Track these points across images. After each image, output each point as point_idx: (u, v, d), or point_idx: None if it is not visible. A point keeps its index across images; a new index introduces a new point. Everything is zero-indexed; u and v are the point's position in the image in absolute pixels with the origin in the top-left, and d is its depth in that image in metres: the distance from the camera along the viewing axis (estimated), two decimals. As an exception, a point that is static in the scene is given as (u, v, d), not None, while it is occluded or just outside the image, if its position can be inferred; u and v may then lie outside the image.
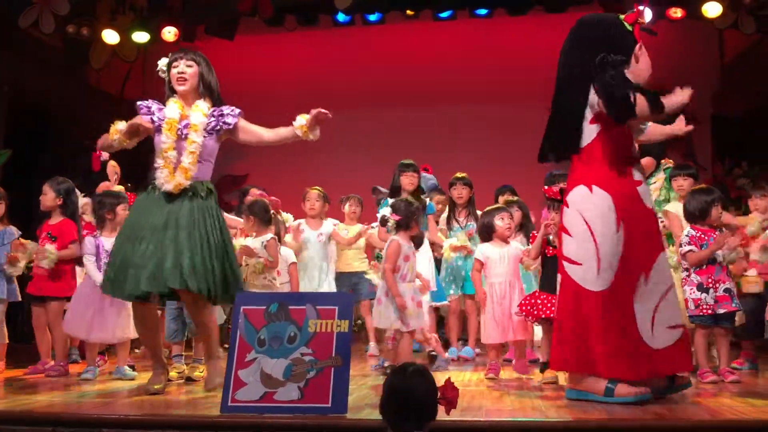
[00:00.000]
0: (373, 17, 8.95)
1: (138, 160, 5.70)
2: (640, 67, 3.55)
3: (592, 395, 3.39)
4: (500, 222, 4.58)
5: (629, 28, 3.59)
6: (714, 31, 8.16)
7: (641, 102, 3.38)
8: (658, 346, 3.38)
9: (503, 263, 4.50)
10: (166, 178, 3.73)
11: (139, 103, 3.93)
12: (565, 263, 3.53)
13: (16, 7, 7.19)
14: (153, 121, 3.84)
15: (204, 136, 3.78)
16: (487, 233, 4.63)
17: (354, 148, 9.14)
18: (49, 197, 4.99)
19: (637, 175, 3.57)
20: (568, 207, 3.57)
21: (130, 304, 4.56)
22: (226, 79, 9.97)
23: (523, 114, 9.15)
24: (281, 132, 3.86)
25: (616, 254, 3.40)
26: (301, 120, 3.78)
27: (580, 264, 3.45)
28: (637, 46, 3.57)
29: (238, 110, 3.88)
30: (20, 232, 5.06)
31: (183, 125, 3.79)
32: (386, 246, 4.32)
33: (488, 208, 4.82)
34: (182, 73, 3.83)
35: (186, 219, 3.67)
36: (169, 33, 7.96)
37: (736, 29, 7.27)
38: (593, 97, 3.48)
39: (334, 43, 9.35)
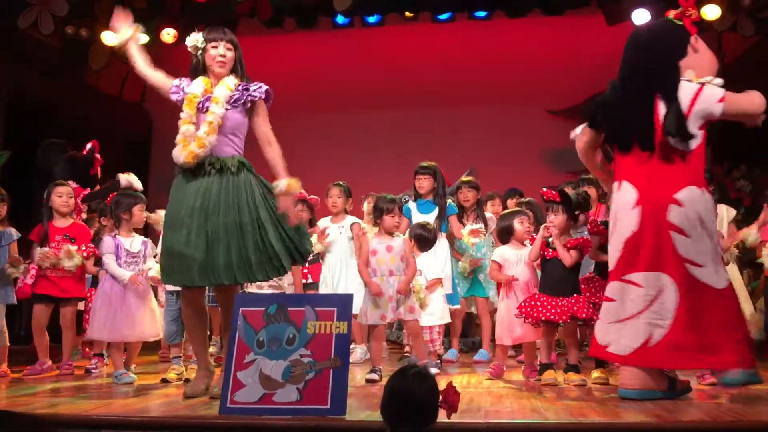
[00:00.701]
0: (372, 19, 8.95)
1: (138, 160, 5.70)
2: (703, 57, 3.65)
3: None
4: (519, 225, 4.61)
5: (678, 23, 3.67)
6: (713, 34, 8.16)
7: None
8: None
9: (520, 265, 4.51)
10: (180, 151, 3.65)
11: (173, 83, 3.84)
12: (688, 266, 3.49)
13: (15, 7, 7.19)
14: (178, 102, 3.78)
15: (227, 108, 3.68)
16: (506, 235, 4.65)
17: (352, 149, 9.14)
18: (74, 200, 5.11)
19: None
20: (683, 206, 3.51)
21: (153, 303, 4.58)
22: (225, 80, 9.80)
23: (522, 116, 9.17)
24: (275, 161, 3.70)
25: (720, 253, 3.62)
26: (282, 186, 3.60)
27: (703, 265, 3.49)
28: (693, 38, 3.65)
29: (266, 87, 3.78)
30: (19, 234, 5.06)
31: (205, 99, 3.72)
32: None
33: (507, 211, 4.91)
34: (223, 56, 3.76)
35: (217, 200, 3.58)
36: (168, 34, 7.95)
37: (735, 32, 7.27)
38: (706, 106, 3.54)
39: (333, 45, 9.34)
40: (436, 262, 5.22)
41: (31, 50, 7.59)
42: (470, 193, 5.80)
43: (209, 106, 3.69)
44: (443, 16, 8.89)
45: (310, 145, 9.06)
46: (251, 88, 3.75)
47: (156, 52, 8.65)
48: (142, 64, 3.94)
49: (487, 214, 5.95)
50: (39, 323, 5.00)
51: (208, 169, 3.64)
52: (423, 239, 5.05)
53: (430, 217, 5.44)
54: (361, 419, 3.01)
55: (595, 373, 4.19)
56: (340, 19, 8.77)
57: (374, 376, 4.26)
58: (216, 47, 3.78)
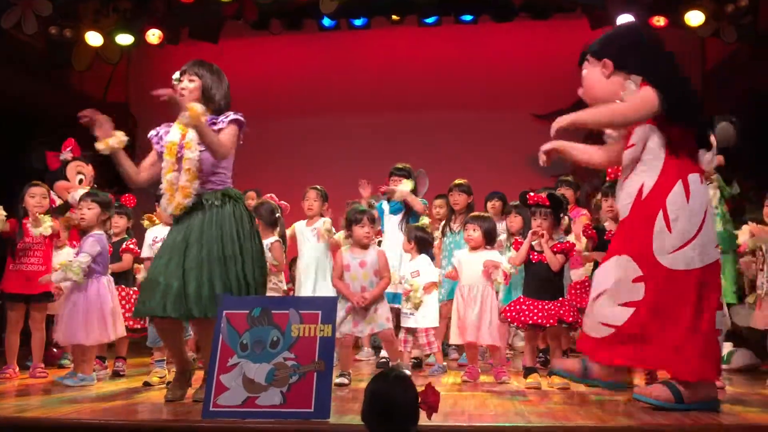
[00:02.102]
0: (358, 22, 8.97)
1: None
2: None
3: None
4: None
5: None
6: (696, 40, 8.24)
7: None
8: (592, 335, 3.51)
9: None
10: (167, 202, 3.69)
11: (150, 135, 3.83)
12: None
13: (-2, 8, 7.14)
14: (160, 152, 3.76)
15: (201, 150, 3.66)
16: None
17: (337, 151, 9.14)
18: (48, 200, 5.06)
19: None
20: None
21: (99, 308, 4.49)
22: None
23: (507, 119, 9.21)
24: None
25: None
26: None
27: None
28: None
29: (233, 116, 3.72)
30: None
31: (180, 146, 3.70)
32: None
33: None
34: (183, 89, 3.73)
35: (199, 233, 3.60)
36: (153, 35, 7.91)
37: (718, 38, 7.34)
38: None
39: (319, 48, 9.35)
40: (433, 265, 5.23)
41: (14, 51, 7.53)
42: (461, 197, 5.78)
43: (183, 153, 3.68)
44: (429, 20, 8.93)
45: (294, 148, 9.06)
46: (218, 121, 3.70)
47: (140, 53, 8.68)
48: (134, 171, 3.83)
49: None
50: (12, 327, 4.94)
51: (192, 208, 3.65)
52: (423, 241, 5.08)
53: (401, 218, 5.53)
54: (344, 422, 3.00)
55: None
56: (327, 21, 8.78)
57: (344, 380, 4.28)
58: (180, 81, 3.76)
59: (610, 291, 3.41)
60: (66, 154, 5.62)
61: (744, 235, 4.87)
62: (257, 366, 3.09)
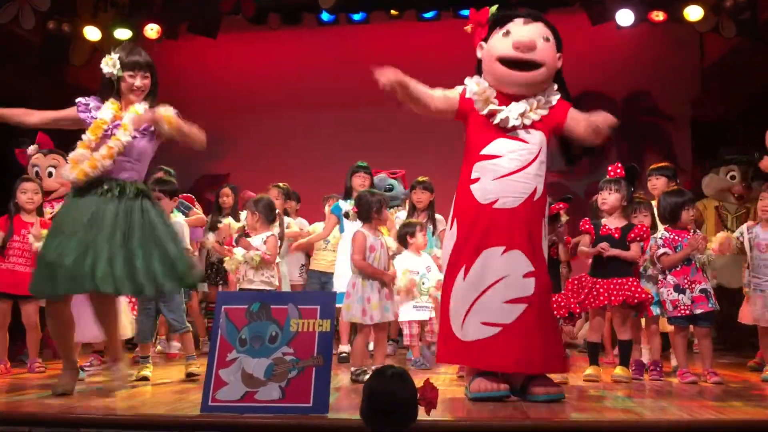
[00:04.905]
0: (357, 17, 8.95)
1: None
2: None
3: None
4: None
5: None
6: (695, 35, 8.23)
7: None
8: (469, 338, 3.48)
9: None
10: (69, 170, 3.65)
11: (79, 100, 3.83)
12: None
13: (-4, 2, 7.10)
14: (86, 121, 3.75)
15: (134, 137, 3.66)
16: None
17: (335, 146, 9.12)
18: (39, 196, 5.03)
19: (476, 173, 3.64)
20: None
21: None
22: (209, 77, 9.82)
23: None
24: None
25: (448, 250, 3.62)
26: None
27: None
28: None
29: (172, 110, 3.71)
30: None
31: (113, 125, 3.69)
32: (352, 238, 4.41)
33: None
34: (139, 87, 3.75)
35: (110, 219, 3.55)
36: (152, 30, 7.88)
37: (717, 33, 7.33)
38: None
39: (317, 42, 9.32)
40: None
41: (9, 46, 7.50)
42: (423, 194, 5.73)
43: (116, 132, 3.67)
44: (428, 15, 8.91)
45: (292, 143, 9.04)
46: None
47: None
48: (21, 113, 3.91)
49: (437, 216, 5.93)
50: (3, 321, 4.92)
51: (105, 191, 3.62)
52: (402, 238, 5.14)
53: None
54: (343, 417, 3.01)
55: (589, 370, 4.22)
56: (325, 16, 8.75)
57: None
58: (133, 77, 3.76)
59: (499, 285, 3.46)
60: (31, 149, 5.59)
61: (714, 243, 4.87)
62: (256, 361, 3.10)
